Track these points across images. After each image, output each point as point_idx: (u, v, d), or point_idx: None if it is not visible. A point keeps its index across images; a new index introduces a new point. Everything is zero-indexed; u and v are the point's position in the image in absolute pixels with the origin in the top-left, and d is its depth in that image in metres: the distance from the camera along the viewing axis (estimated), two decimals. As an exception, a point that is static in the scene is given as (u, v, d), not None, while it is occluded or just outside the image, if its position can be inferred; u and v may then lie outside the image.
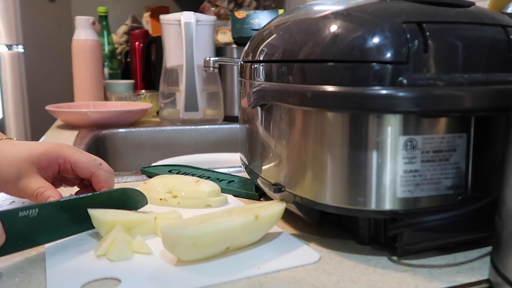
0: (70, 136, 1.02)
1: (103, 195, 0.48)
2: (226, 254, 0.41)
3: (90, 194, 0.47)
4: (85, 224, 0.45)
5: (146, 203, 0.51)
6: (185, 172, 0.67)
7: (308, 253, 0.42)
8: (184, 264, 0.39)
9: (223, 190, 0.61)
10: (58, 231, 0.44)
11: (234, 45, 1.27)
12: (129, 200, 0.50)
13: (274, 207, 0.45)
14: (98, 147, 1.04)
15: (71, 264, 0.39)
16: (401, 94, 0.36)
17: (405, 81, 0.37)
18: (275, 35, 0.48)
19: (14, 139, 0.55)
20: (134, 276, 0.37)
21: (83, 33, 1.40)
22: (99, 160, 0.54)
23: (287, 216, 0.50)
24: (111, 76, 1.74)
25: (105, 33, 1.71)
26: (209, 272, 0.38)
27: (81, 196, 0.46)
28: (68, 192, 0.55)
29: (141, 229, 0.45)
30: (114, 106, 1.29)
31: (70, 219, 0.44)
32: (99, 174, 0.52)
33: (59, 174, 0.54)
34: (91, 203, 0.46)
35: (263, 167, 0.50)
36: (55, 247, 0.43)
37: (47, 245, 0.43)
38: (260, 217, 0.42)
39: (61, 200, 0.45)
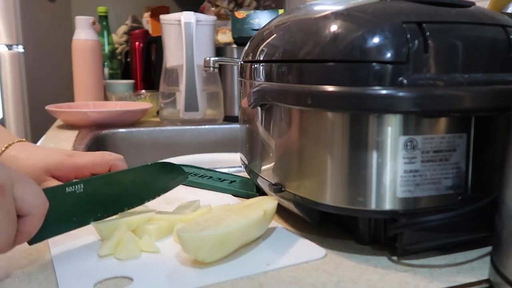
0: (70, 136, 1.02)
1: (141, 169, 0.48)
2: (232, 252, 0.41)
3: (130, 168, 0.48)
4: (133, 198, 0.46)
5: (185, 179, 0.51)
6: (188, 172, 0.67)
7: (313, 249, 0.42)
8: (192, 262, 0.39)
9: (225, 190, 0.61)
10: (106, 207, 0.44)
11: (234, 45, 1.27)
12: (168, 174, 0.50)
13: (270, 203, 0.45)
14: (98, 147, 1.03)
15: (80, 264, 0.39)
16: (401, 94, 0.36)
17: (405, 81, 0.37)
18: (275, 35, 0.48)
19: (24, 140, 0.54)
20: (145, 275, 0.37)
21: (83, 33, 1.39)
22: (107, 153, 0.54)
23: (287, 216, 0.50)
24: (111, 76, 1.74)
25: (105, 33, 1.71)
26: (214, 270, 0.38)
27: (123, 170, 0.47)
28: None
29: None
30: (114, 106, 1.29)
31: (115, 195, 0.45)
32: (118, 165, 0.52)
33: None
34: (133, 176, 0.47)
35: (263, 167, 0.50)
36: (60, 247, 0.43)
37: (51, 245, 0.43)
38: (266, 212, 0.43)
39: (103, 174, 0.45)
